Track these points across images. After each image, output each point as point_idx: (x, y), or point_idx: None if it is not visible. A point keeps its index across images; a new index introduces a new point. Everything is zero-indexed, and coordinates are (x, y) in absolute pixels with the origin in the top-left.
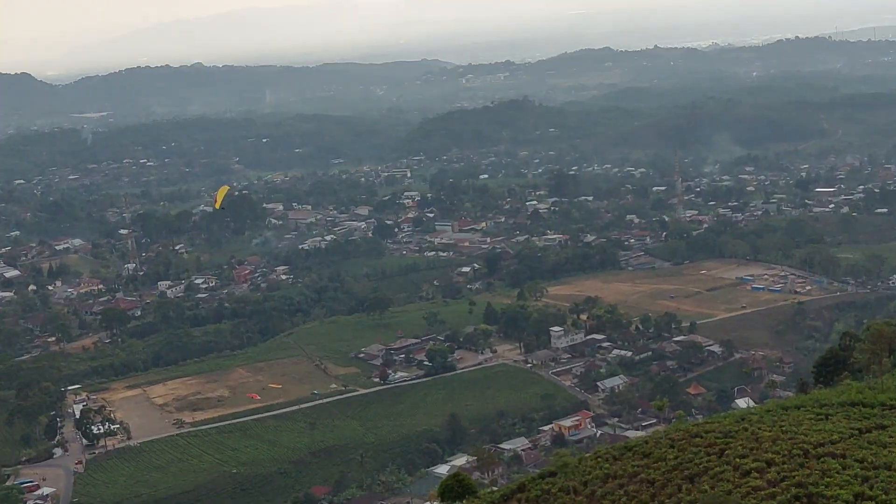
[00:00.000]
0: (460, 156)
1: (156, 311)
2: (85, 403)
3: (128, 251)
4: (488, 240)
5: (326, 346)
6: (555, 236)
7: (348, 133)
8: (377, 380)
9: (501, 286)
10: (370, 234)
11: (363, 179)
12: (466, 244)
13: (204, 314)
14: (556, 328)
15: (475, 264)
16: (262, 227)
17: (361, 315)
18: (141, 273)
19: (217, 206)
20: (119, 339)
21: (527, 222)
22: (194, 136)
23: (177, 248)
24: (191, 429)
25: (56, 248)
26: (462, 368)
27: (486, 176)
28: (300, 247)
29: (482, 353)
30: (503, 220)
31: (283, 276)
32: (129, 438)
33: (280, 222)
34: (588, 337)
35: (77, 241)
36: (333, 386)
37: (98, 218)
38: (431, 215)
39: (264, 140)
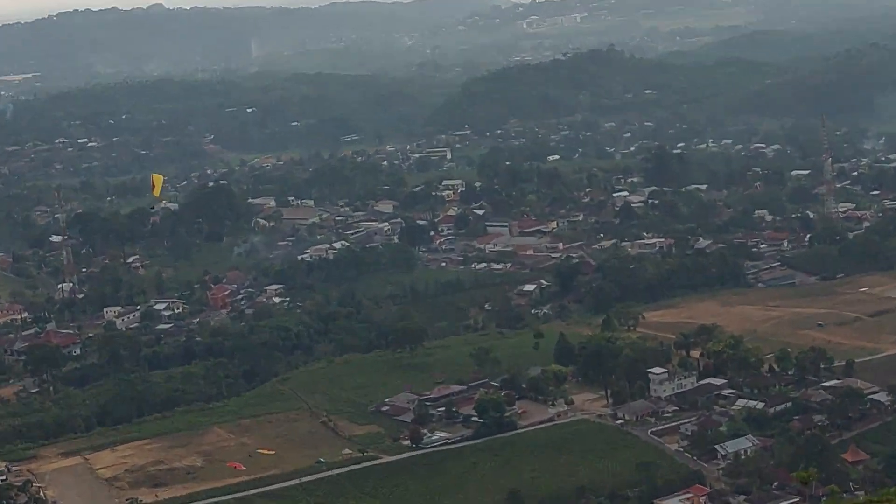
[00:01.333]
0: (521, 129)
1: (101, 350)
2: (4, 478)
3: (62, 266)
4: (560, 246)
5: (336, 396)
6: (654, 241)
7: (365, 99)
8: (407, 442)
9: (579, 311)
10: (396, 240)
11: (385, 163)
12: (530, 252)
13: (168, 352)
14: (656, 370)
15: (542, 280)
16: (247, 230)
17: (384, 352)
18: (80, 296)
19: (156, 190)
20: (51, 388)
21: (614, 221)
22: (153, 105)
23: (130, 260)
24: None
25: None
26: (525, 426)
27: (556, 157)
28: (300, 258)
29: (553, 404)
30: (581, 217)
31: (277, 299)
32: None
33: (271, 224)
34: (702, 382)
35: None
36: (346, 451)
37: (21, 220)
38: (481, 213)
39: (249, 110)
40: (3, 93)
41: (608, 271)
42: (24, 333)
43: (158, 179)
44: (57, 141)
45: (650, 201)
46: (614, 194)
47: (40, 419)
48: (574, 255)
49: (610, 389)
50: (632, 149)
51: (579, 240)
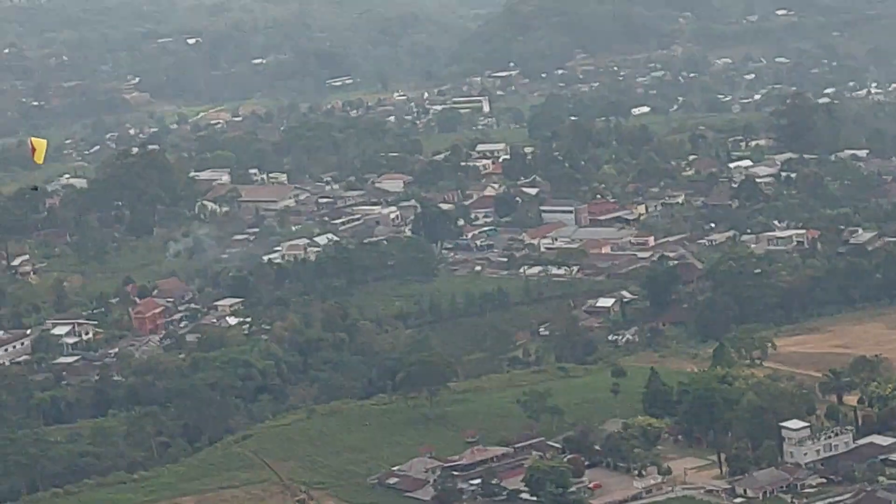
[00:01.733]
0: (592, 68)
1: None
2: None
3: None
4: (651, 241)
5: (321, 463)
6: (789, 232)
7: (363, 25)
8: None
9: (679, 337)
10: (408, 233)
11: (392, 119)
12: (606, 250)
13: (72, 398)
14: (793, 424)
15: (625, 292)
16: (189, 219)
17: (391, 398)
18: None
19: (39, 157)
20: None
21: (731, 205)
22: (47, 33)
23: (16, 262)
24: None
25: None
26: None
27: (644, 109)
28: (266, 259)
29: (641, 474)
30: (682, 199)
31: (232, 320)
32: None
33: (224, 209)
34: (862, 441)
35: None
36: None
37: None
38: (533, 192)
39: (190, 41)
40: None
41: (722, 279)
42: None
43: (40, 144)
44: None
45: (784, 175)
46: (731, 165)
47: None
48: (671, 255)
49: (725, 453)
50: (756, 97)
51: (679, 232)
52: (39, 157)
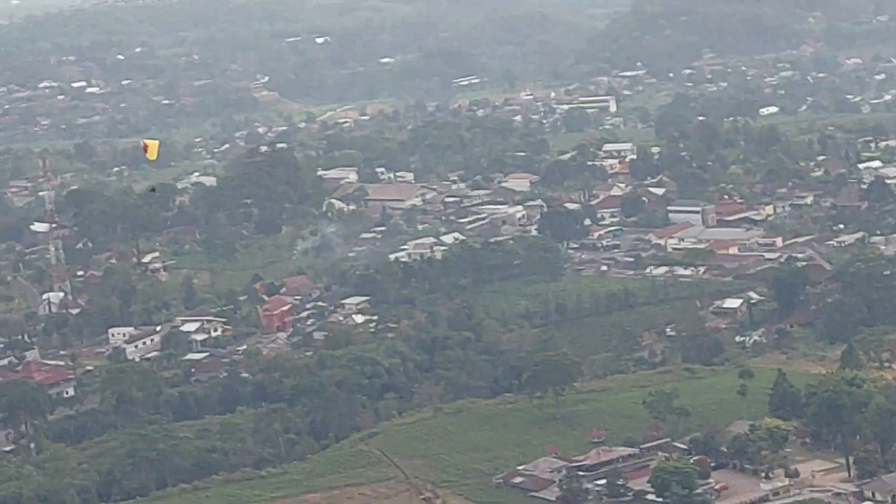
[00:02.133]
0: (720, 68)
1: (104, 390)
2: None
3: (48, 267)
4: (779, 242)
5: (446, 462)
6: None
7: (490, 24)
8: None
9: (807, 338)
10: (534, 232)
11: (519, 119)
12: (733, 251)
13: (201, 395)
14: None
15: (752, 293)
16: (317, 217)
17: (517, 398)
18: (75, 311)
19: (152, 155)
20: (31, 446)
21: (860, 205)
22: (179, 32)
23: (146, 260)
24: None
25: None
26: None
27: (773, 109)
28: (392, 257)
29: (768, 476)
30: (810, 200)
31: (359, 318)
32: None
33: (352, 207)
34: None
35: None
36: None
37: None
38: (660, 192)
39: (319, 40)
40: None
41: (850, 280)
42: None
43: (153, 146)
44: (41, 85)
45: None
46: (860, 165)
47: (17, 492)
48: (799, 256)
49: (853, 456)
50: (886, 98)
51: (807, 233)
52: (153, 154)
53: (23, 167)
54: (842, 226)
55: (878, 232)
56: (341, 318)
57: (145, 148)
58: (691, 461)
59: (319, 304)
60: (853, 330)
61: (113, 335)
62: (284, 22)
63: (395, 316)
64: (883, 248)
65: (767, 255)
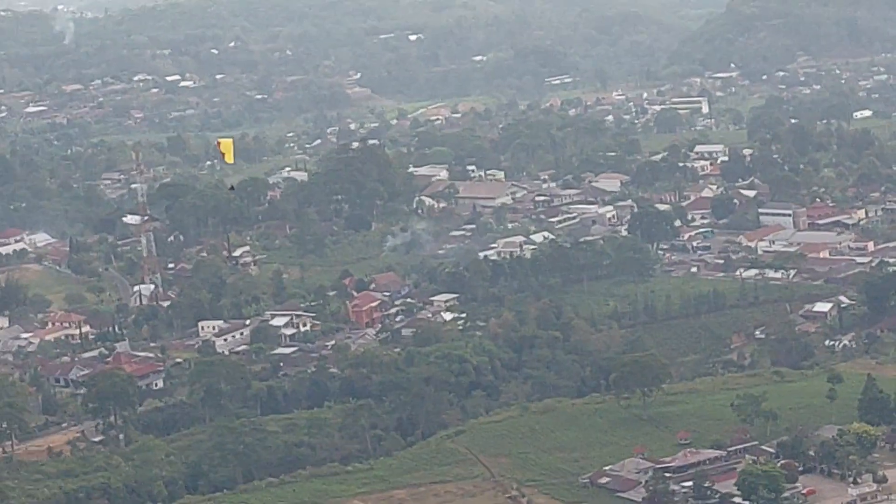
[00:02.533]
0: (814, 70)
1: (193, 382)
2: None
3: (140, 260)
4: (871, 246)
5: (532, 460)
6: None
7: (582, 23)
8: None
9: None
10: (624, 232)
11: (611, 119)
12: (825, 255)
13: (289, 389)
14: None
15: (843, 297)
16: (407, 214)
17: (604, 398)
18: (166, 304)
19: (228, 158)
20: (121, 437)
21: None
22: (273, 27)
23: (237, 254)
24: None
25: None
26: None
27: (867, 112)
28: (482, 255)
29: (857, 482)
30: None
31: (448, 315)
32: None
33: (442, 205)
34: None
35: (41, 238)
36: None
37: (83, 192)
38: (751, 194)
39: (412, 37)
40: (61, 7)
41: None
42: (83, 356)
43: (227, 145)
44: (136, 78)
45: None
46: None
47: (104, 481)
48: (891, 261)
49: None
50: None
51: None
52: (229, 157)
53: (116, 159)
54: None
55: None
56: (430, 315)
57: (219, 146)
58: (779, 465)
59: (408, 300)
60: None
61: (203, 328)
62: (377, 19)
63: (484, 314)
64: None
65: (859, 260)
